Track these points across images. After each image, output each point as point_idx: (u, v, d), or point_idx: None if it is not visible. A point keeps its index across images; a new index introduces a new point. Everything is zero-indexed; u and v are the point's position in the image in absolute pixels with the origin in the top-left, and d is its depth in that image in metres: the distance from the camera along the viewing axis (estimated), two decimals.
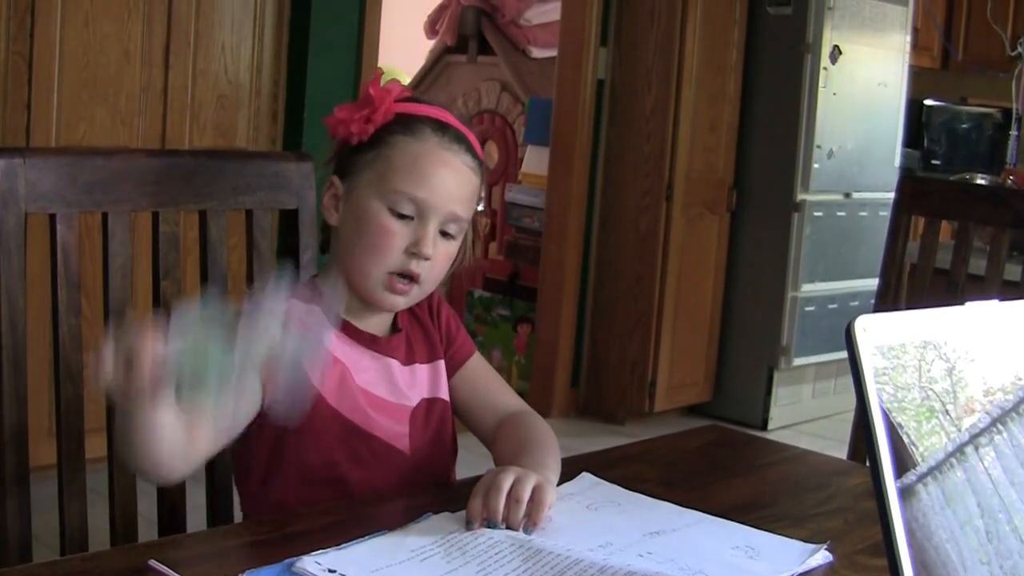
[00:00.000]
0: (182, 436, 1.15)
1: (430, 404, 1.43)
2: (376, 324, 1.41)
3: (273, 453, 1.35)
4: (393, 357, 1.41)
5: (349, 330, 1.38)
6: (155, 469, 1.18)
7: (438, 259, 1.36)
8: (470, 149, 1.39)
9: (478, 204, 1.42)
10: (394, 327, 1.44)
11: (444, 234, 1.36)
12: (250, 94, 3.59)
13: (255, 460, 1.36)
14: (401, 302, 1.38)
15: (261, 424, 1.31)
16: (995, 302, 0.79)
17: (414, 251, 1.34)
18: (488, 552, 1.11)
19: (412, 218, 1.34)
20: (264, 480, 1.36)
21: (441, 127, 1.37)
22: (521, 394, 1.58)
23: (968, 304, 0.78)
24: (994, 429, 0.76)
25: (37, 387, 1.45)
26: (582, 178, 4.48)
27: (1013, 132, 5.67)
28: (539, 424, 1.43)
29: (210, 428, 1.19)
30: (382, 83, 1.37)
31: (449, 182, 1.35)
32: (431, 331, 1.47)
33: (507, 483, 1.18)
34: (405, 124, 1.36)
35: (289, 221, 1.59)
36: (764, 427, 4.54)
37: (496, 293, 5.03)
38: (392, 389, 1.39)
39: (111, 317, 1.41)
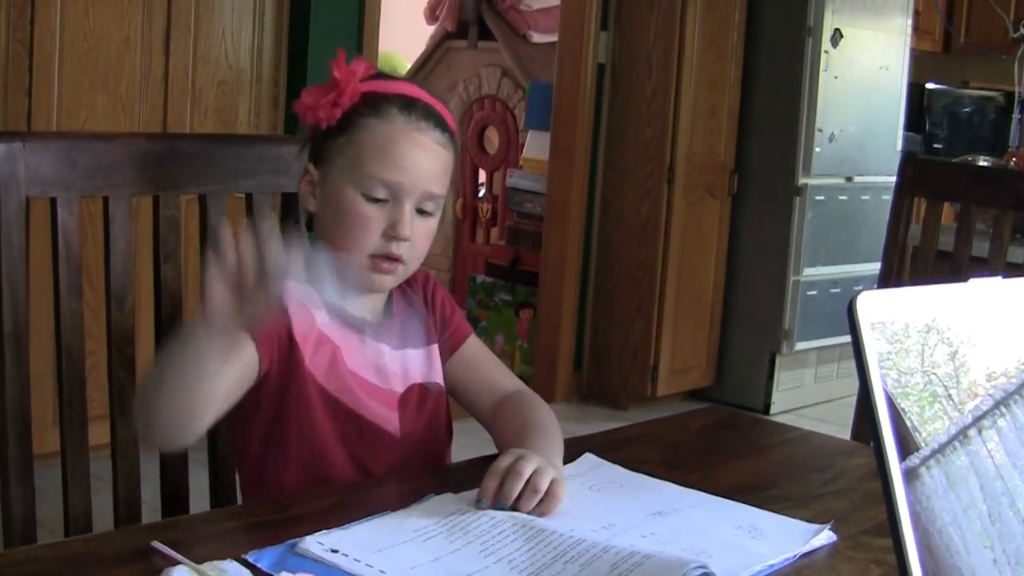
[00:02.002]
0: (215, 386, 1.16)
1: (423, 389, 1.42)
2: (368, 308, 1.40)
3: (268, 435, 1.35)
4: (383, 342, 1.40)
5: (341, 312, 1.38)
6: (181, 419, 1.17)
7: (418, 238, 1.35)
8: (440, 123, 1.37)
9: (452, 179, 1.40)
10: (388, 312, 1.43)
11: (421, 212, 1.35)
12: (251, 80, 3.58)
13: (251, 442, 1.36)
14: (388, 281, 1.37)
15: (256, 406, 1.32)
16: (998, 279, 0.79)
17: (392, 234, 1.33)
18: (491, 532, 1.11)
19: (387, 201, 1.33)
20: (260, 462, 1.36)
21: (408, 104, 1.35)
22: (524, 379, 1.58)
23: (971, 280, 0.78)
24: (997, 412, 0.76)
25: (40, 374, 1.45)
26: (583, 163, 4.47)
27: (1016, 115, 5.65)
28: (538, 404, 1.43)
29: (220, 387, 1.19)
30: (346, 62, 1.35)
31: (421, 162, 1.34)
32: (426, 316, 1.46)
33: (528, 471, 1.18)
34: (373, 105, 1.34)
35: (289, 204, 1.58)
36: (766, 411, 4.55)
37: (498, 278, 5.03)
38: (380, 375, 1.39)
39: (113, 302, 1.41)
